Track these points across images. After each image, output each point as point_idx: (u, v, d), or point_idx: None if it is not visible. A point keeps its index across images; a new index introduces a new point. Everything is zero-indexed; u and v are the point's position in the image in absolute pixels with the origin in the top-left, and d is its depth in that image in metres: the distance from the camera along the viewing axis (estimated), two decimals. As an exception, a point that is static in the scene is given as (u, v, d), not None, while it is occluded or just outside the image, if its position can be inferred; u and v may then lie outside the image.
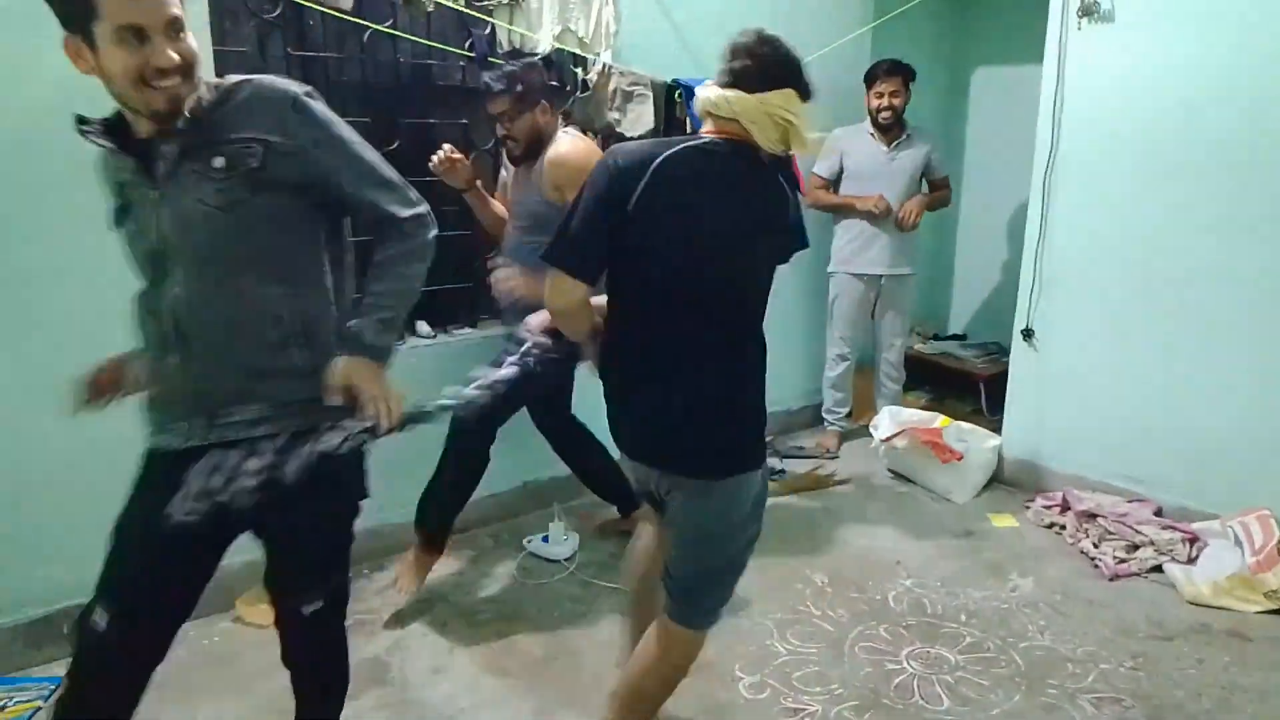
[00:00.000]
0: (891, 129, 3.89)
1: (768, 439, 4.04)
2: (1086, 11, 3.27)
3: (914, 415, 3.95)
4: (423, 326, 3.11)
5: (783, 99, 1.71)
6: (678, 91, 3.19)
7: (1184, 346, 3.23)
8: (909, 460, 3.82)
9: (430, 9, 2.82)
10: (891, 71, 3.82)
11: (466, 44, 3.04)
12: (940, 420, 3.88)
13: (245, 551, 1.95)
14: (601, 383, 1.86)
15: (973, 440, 3.77)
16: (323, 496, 1.57)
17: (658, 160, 1.68)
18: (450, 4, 2.83)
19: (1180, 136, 3.13)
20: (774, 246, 1.83)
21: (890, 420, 3.90)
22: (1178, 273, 3.20)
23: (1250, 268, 3.03)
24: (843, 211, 3.98)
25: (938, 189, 4.06)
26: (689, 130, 3.19)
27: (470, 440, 2.77)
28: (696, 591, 1.85)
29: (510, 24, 3.01)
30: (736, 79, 1.72)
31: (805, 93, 1.75)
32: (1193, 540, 3.08)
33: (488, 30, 3.01)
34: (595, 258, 1.73)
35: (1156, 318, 3.28)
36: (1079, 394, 3.52)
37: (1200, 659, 2.57)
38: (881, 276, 4.00)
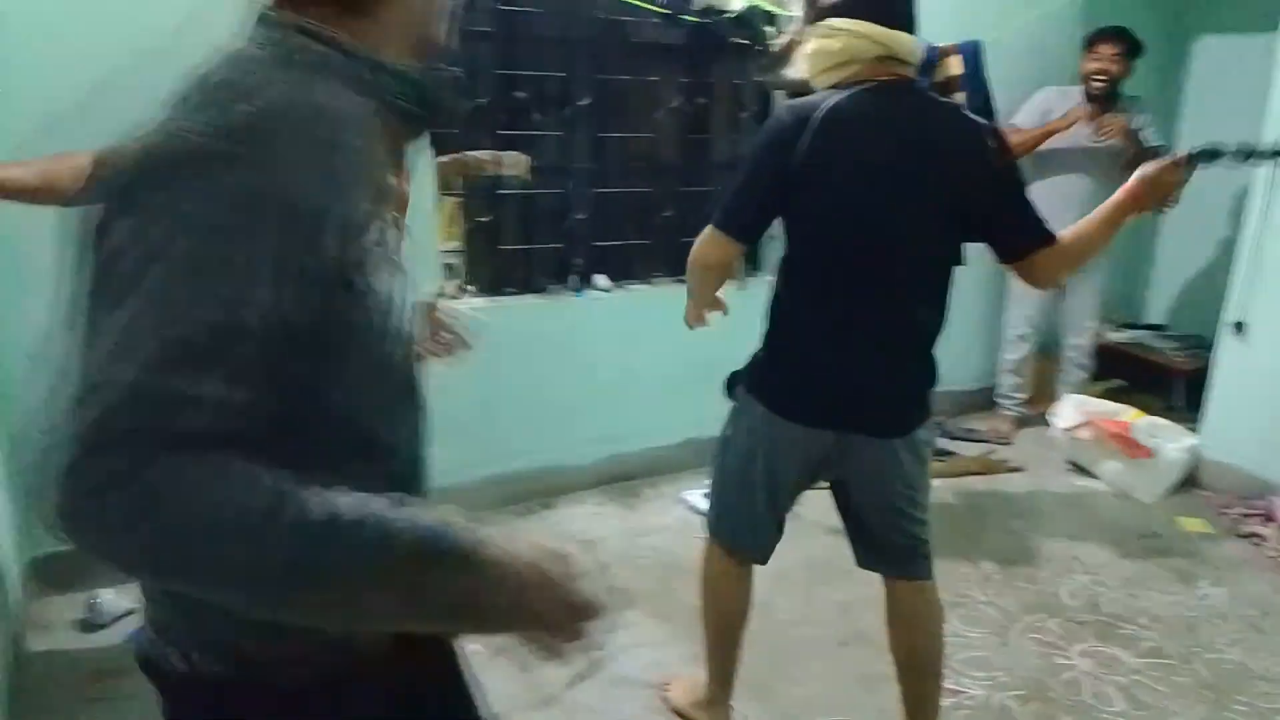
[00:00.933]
0: (1104, 100, 3.56)
1: (938, 419, 3.94)
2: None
3: (1101, 406, 3.71)
4: (601, 279, 3.19)
5: (910, 34, 1.64)
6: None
7: None
8: (1091, 453, 3.60)
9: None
10: (1114, 36, 3.51)
11: (661, 1, 3.05)
12: (1131, 413, 3.63)
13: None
14: (773, 353, 1.80)
15: (1165, 437, 3.50)
16: None
17: (821, 109, 1.59)
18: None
19: None
20: (965, 193, 1.64)
21: (1074, 409, 3.69)
22: None
23: None
24: (1038, 157, 3.63)
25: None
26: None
27: None
28: (916, 541, 1.83)
29: (705, -19, 3.00)
30: (880, 11, 1.59)
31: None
32: None
33: (683, -13, 3.02)
34: (754, 219, 1.71)
35: None
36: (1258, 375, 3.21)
37: None
38: None
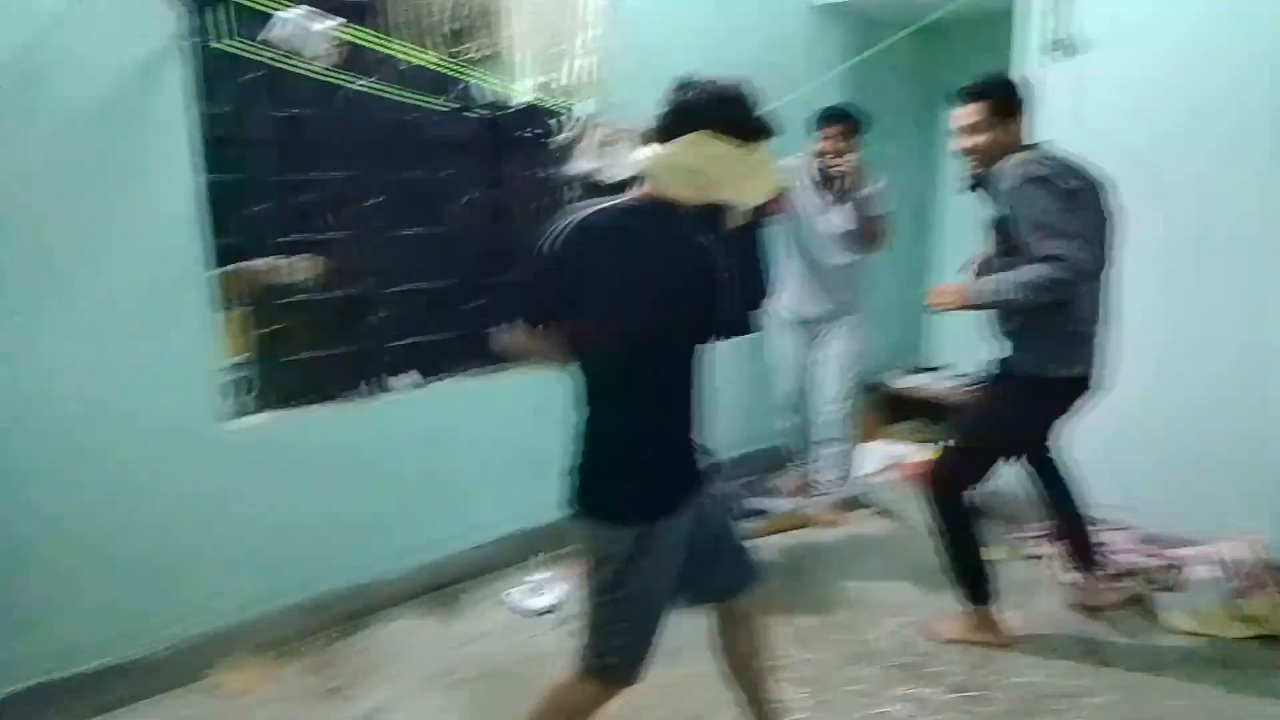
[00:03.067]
0: (834, 180, 3.62)
1: (748, 478, 4.03)
2: (1057, 48, 3.32)
3: (898, 451, 3.98)
4: (407, 379, 3.12)
5: (692, 144, 1.63)
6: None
7: (1161, 373, 3.28)
8: (894, 497, 3.84)
9: (406, 66, 2.87)
10: (838, 117, 3.52)
11: (446, 98, 3.08)
12: (933, 452, 3.90)
13: (223, 616, 1.92)
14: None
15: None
16: None
17: (574, 224, 1.70)
18: (429, 60, 2.88)
19: (1151, 167, 3.19)
20: (686, 311, 1.73)
21: (874, 456, 3.93)
22: (1151, 298, 3.25)
23: (1231, 289, 3.10)
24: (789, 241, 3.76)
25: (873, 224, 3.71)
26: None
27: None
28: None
29: (490, 77, 3.06)
30: (654, 131, 1.67)
31: (739, 132, 1.65)
32: (1177, 568, 3.11)
33: (468, 83, 3.06)
34: (541, 308, 1.81)
35: (1132, 346, 3.33)
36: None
37: (1189, 689, 2.59)
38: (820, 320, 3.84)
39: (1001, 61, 3.53)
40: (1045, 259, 2.39)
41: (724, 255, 1.74)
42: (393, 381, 3.10)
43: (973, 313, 2.73)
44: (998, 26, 3.56)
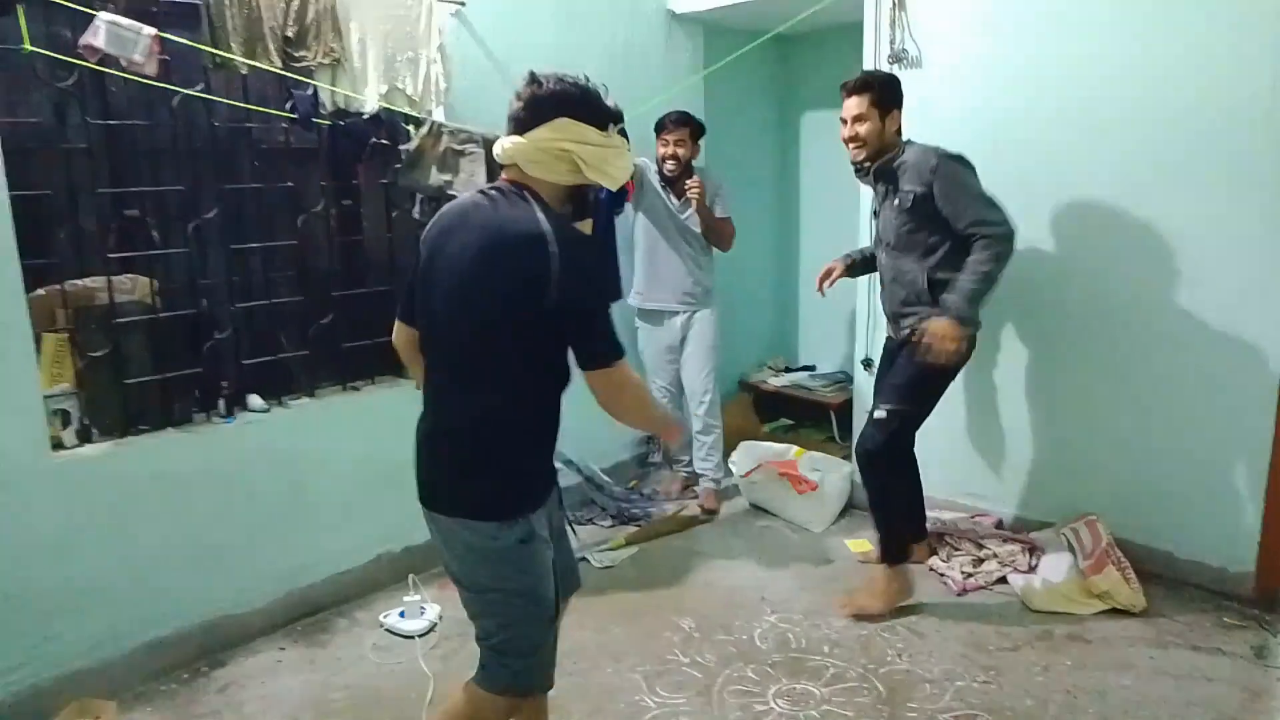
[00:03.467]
0: (675, 181, 3.74)
1: (631, 482, 4.03)
2: (896, 58, 3.48)
3: (770, 449, 4.03)
4: (255, 400, 2.94)
5: (554, 130, 1.67)
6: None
7: (1009, 369, 3.45)
8: (768, 494, 3.89)
9: (244, 72, 2.71)
10: (679, 122, 3.68)
11: (287, 105, 2.93)
12: (794, 451, 3.98)
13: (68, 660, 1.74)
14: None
15: (826, 469, 3.87)
16: None
17: (442, 210, 1.82)
18: (265, 66, 2.73)
19: (985, 172, 3.36)
20: (503, 285, 1.64)
21: (747, 455, 3.97)
22: (998, 301, 3.41)
23: (1068, 291, 3.27)
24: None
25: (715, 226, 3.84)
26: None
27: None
28: (481, 641, 1.84)
29: (333, 84, 2.93)
30: (513, 123, 1.72)
31: (595, 119, 1.71)
32: (1031, 549, 3.26)
33: (310, 90, 2.92)
34: (408, 299, 1.88)
35: (982, 345, 3.49)
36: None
37: (1045, 665, 2.70)
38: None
39: (851, 70, 3.65)
40: (982, 238, 2.72)
41: (579, 241, 1.73)
42: (240, 404, 2.93)
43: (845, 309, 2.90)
44: (847, 37, 3.67)
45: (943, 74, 3.43)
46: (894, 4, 3.45)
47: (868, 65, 3.58)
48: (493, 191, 1.75)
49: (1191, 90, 2.90)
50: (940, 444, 3.65)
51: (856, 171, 3.04)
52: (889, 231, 2.97)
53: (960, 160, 2.82)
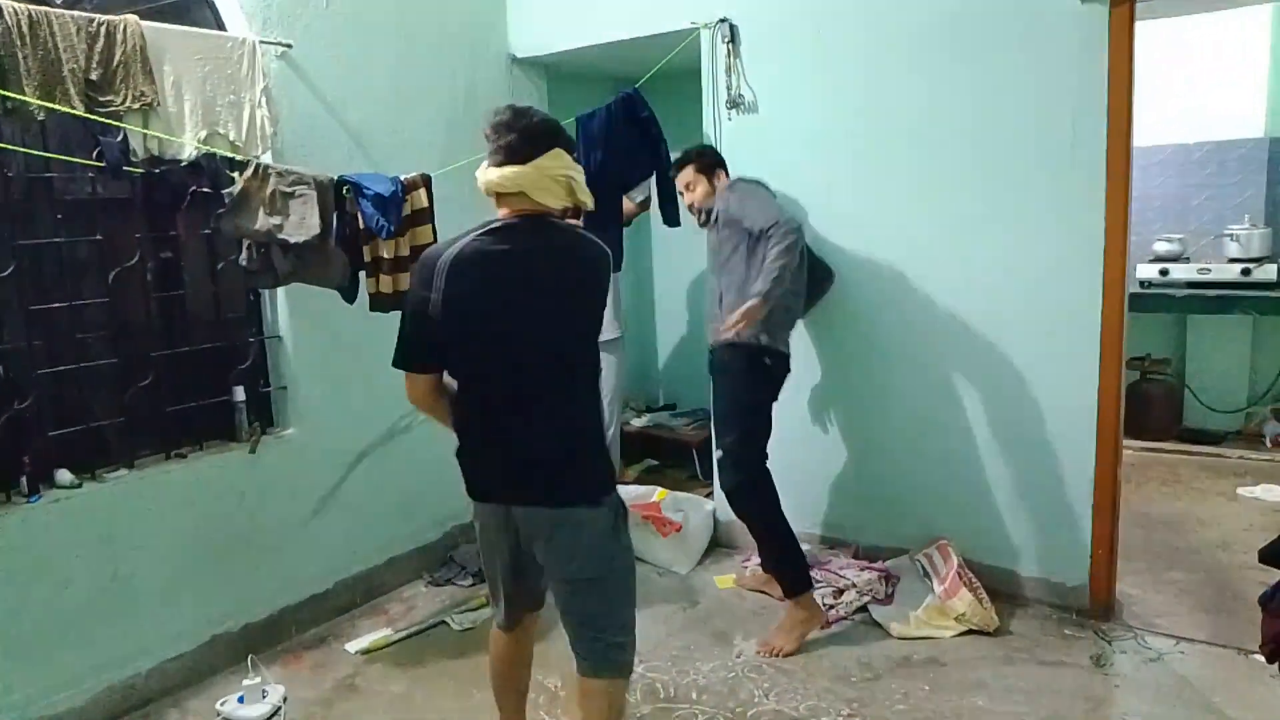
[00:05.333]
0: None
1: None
2: (734, 104, 3.58)
3: (632, 491, 3.99)
4: (64, 475, 2.66)
5: (554, 159, 1.87)
6: (346, 188, 3.04)
7: (850, 400, 3.55)
8: (633, 537, 3.83)
9: (40, 118, 2.48)
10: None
11: (95, 153, 2.70)
12: (657, 494, 3.95)
13: None
14: (458, 444, 2.01)
15: (690, 508, 3.86)
16: None
17: (447, 259, 1.85)
18: (65, 110, 2.51)
19: (819, 211, 3.50)
20: (593, 297, 1.97)
21: (611, 500, 3.92)
22: (838, 333, 3.51)
23: (899, 323, 3.40)
24: None
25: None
26: (361, 227, 3.04)
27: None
28: (597, 630, 2.00)
29: (145, 129, 2.72)
30: (510, 154, 1.85)
31: (570, 148, 1.93)
32: (887, 577, 3.33)
33: (119, 137, 2.70)
34: (425, 350, 1.94)
35: (822, 377, 3.58)
36: (774, 452, 3.70)
37: (905, 693, 2.74)
38: None
39: (695, 114, 3.72)
40: (773, 235, 2.86)
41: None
42: (47, 480, 2.64)
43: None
44: (688, 83, 3.75)
45: (777, 120, 3.54)
46: (728, 53, 3.55)
47: (706, 110, 3.68)
48: (515, 223, 1.89)
49: (1007, 138, 3.10)
50: (793, 476, 3.70)
51: (701, 225, 3.30)
52: (711, 256, 3.22)
53: (752, 181, 3.19)
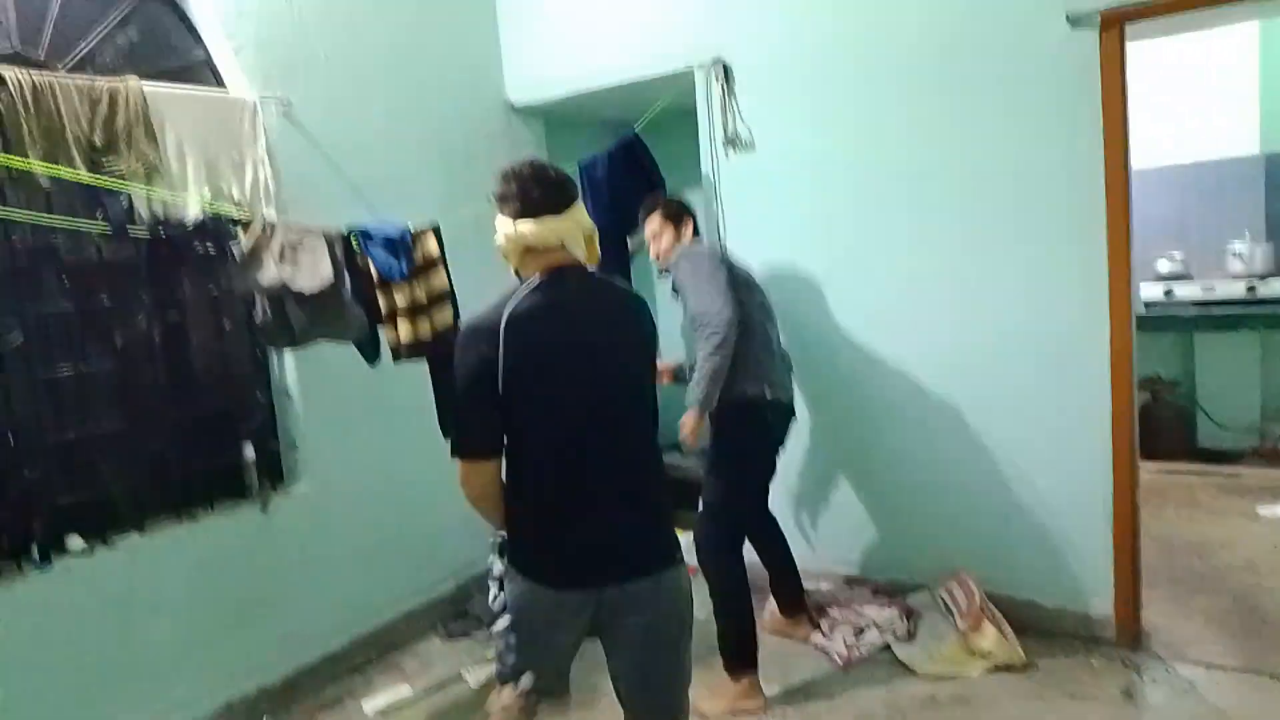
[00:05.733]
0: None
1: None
2: (730, 142, 3.60)
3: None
4: (74, 541, 2.64)
5: (580, 211, 1.86)
6: (354, 237, 3.05)
7: (865, 437, 3.52)
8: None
9: (46, 185, 2.49)
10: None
11: (99, 217, 2.72)
12: (671, 535, 3.90)
13: None
14: (519, 532, 1.86)
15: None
16: None
17: (505, 320, 1.73)
18: (70, 176, 2.52)
19: (820, 250, 3.51)
20: (647, 348, 1.94)
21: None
22: (853, 372, 3.50)
23: (910, 357, 3.39)
24: None
25: None
26: (375, 277, 3.04)
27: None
28: (671, 702, 1.94)
29: (149, 192, 2.73)
30: (545, 206, 1.80)
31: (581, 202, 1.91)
32: (909, 613, 3.27)
33: (124, 200, 2.72)
34: (490, 431, 1.78)
35: (838, 416, 3.56)
36: (784, 491, 3.67)
37: (932, 733, 2.68)
38: None
39: (693, 153, 3.74)
40: (701, 329, 2.81)
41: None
42: (58, 547, 2.61)
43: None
44: (685, 123, 3.78)
45: (774, 156, 3.56)
46: (724, 92, 3.57)
47: (704, 149, 3.69)
48: (563, 277, 1.82)
49: (1005, 165, 3.10)
50: (808, 515, 3.68)
51: (661, 274, 3.30)
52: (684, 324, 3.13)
53: (696, 255, 2.99)
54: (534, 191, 1.80)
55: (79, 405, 2.73)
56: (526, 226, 1.79)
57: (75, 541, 2.64)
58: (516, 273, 1.90)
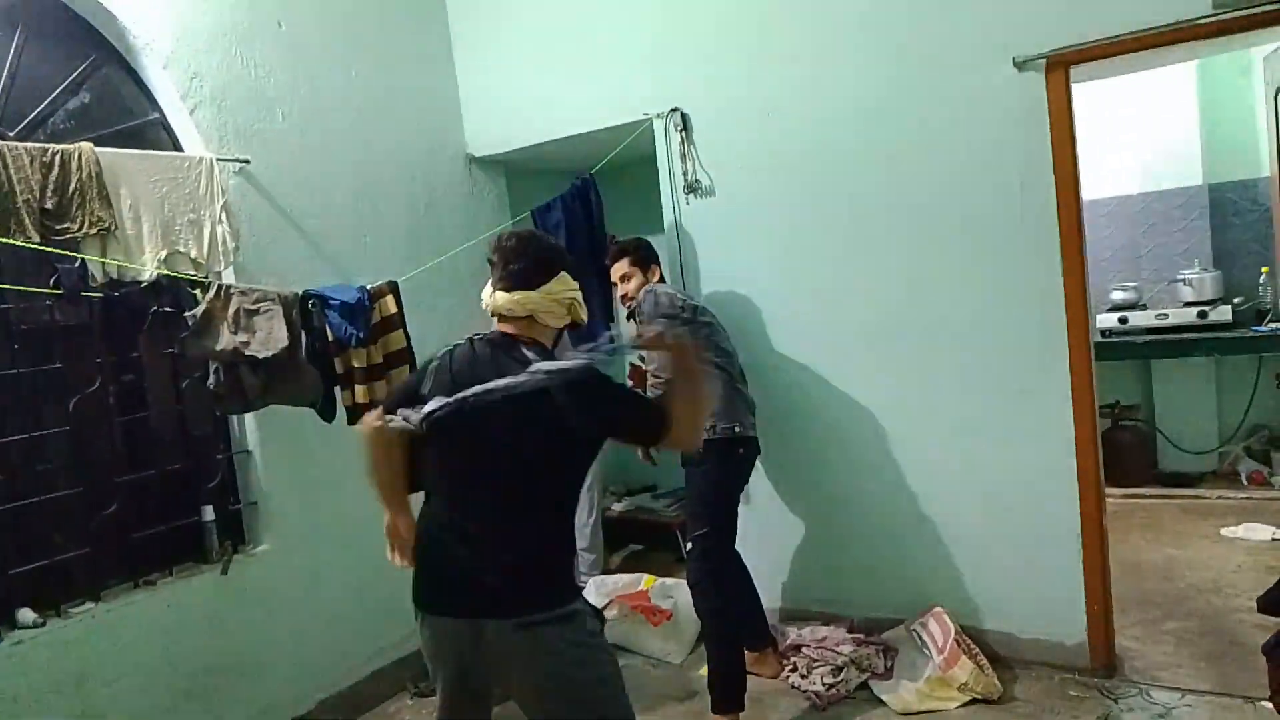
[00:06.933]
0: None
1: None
2: (691, 188, 3.65)
3: (620, 581, 3.91)
4: (25, 614, 2.55)
5: (561, 283, 1.98)
6: (311, 302, 3.03)
7: (833, 473, 3.53)
8: (623, 631, 3.73)
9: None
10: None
11: (51, 280, 2.68)
12: (645, 581, 3.87)
13: None
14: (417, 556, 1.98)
15: (679, 594, 3.77)
16: None
17: (436, 358, 2.00)
18: (21, 244, 2.49)
19: (784, 290, 3.55)
20: (556, 428, 1.84)
21: (597, 591, 3.83)
22: (817, 407, 3.51)
23: (874, 390, 3.42)
24: None
25: None
26: (330, 339, 3.03)
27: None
28: None
29: (103, 254, 2.70)
30: (519, 280, 1.94)
31: (572, 270, 2.03)
32: (885, 650, 3.26)
33: (76, 263, 2.68)
34: (398, 405, 1.96)
35: (805, 453, 3.57)
36: (757, 530, 3.65)
37: (914, 771, 2.65)
38: None
39: (655, 199, 3.78)
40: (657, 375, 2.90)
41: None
42: (8, 620, 2.53)
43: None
44: (646, 170, 3.83)
45: (734, 201, 3.61)
46: (682, 141, 3.63)
47: (665, 196, 3.74)
48: (489, 340, 1.98)
49: (960, 204, 3.17)
50: (780, 554, 3.67)
51: (628, 318, 3.38)
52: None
53: (657, 296, 3.12)
54: (513, 266, 1.95)
55: (30, 471, 2.66)
56: (501, 297, 1.96)
57: (26, 615, 2.56)
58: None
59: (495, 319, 2.02)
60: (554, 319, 2.00)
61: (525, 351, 1.92)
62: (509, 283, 1.95)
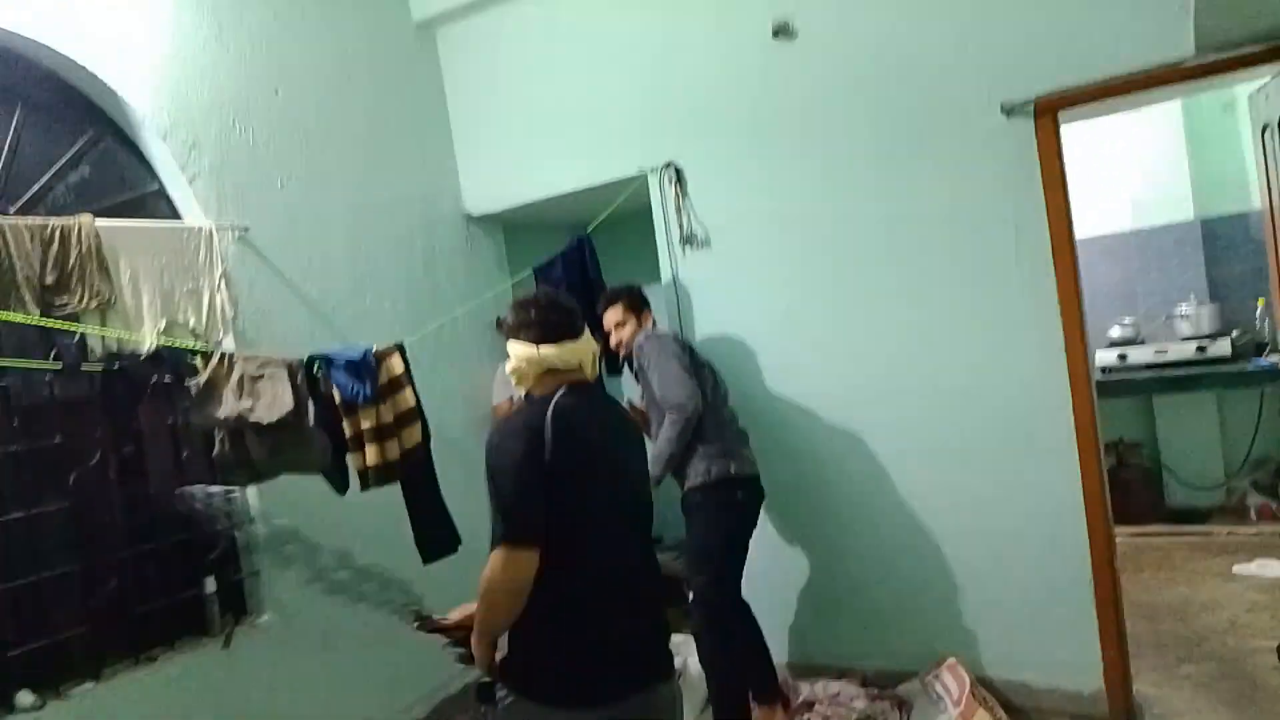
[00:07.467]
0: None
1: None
2: (687, 240, 3.67)
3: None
4: (23, 697, 2.50)
5: (589, 338, 2.03)
6: (316, 364, 3.02)
7: (840, 525, 3.50)
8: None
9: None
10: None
11: (51, 355, 2.67)
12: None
13: None
14: (553, 638, 1.80)
15: (689, 650, 3.70)
16: None
17: (549, 412, 1.84)
18: (22, 319, 2.49)
19: (779, 343, 3.56)
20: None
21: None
22: (826, 457, 3.49)
23: (876, 440, 3.40)
24: None
25: None
26: (338, 401, 3.00)
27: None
28: None
29: (103, 326, 2.70)
30: (562, 332, 1.97)
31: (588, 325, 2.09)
32: (900, 704, 3.20)
33: (76, 337, 2.68)
34: (541, 519, 1.76)
35: (815, 505, 3.54)
36: (763, 581, 3.60)
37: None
38: None
39: (652, 252, 3.80)
40: (667, 413, 3.01)
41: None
42: (6, 703, 2.48)
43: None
44: (642, 223, 3.85)
45: (730, 251, 3.63)
46: (677, 194, 3.66)
47: (661, 249, 3.76)
48: (584, 389, 1.98)
49: (957, 249, 3.18)
50: (789, 607, 3.62)
51: (621, 363, 3.40)
52: (645, 402, 3.29)
53: (660, 339, 3.18)
54: (554, 317, 1.98)
55: (29, 549, 2.63)
56: (550, 350, 1.95)
57: (25, 697, 2.51)
58: (527, 395, 2.03)
59: (535, 378, 1.97)
60: (590, 370, 2.05)
61: (607, 394, 2.12)
62: (555, 333, 1.96)
